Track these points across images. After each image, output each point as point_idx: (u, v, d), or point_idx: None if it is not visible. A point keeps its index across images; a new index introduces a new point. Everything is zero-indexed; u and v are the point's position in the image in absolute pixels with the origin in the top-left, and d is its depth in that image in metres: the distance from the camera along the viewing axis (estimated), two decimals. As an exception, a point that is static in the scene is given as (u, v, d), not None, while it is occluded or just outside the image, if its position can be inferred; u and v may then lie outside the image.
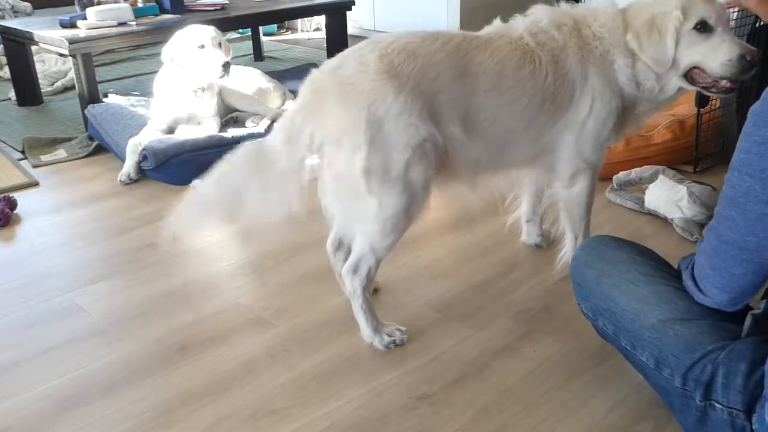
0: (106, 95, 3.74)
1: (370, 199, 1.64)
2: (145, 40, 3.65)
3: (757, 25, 2.61)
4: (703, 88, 1.79)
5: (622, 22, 1.80)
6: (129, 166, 2.90)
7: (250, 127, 3.14)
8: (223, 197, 1.73)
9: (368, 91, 1.60)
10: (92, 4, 3.92)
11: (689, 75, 1.79)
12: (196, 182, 2.85)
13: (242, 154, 1.73)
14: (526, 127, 1.78)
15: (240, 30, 5.55)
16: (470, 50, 1.71)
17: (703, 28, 1.72)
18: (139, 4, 3.78)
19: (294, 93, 3.46)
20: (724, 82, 1.75)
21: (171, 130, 3.10)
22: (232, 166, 1.72)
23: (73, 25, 3.52)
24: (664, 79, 1.81)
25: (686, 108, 2.75)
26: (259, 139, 1.78)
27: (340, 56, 1.71)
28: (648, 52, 1.76)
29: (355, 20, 5.36)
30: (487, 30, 1.84)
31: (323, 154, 1.67)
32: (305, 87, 1.71)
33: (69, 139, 3.37)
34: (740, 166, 1.23)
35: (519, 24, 1.82)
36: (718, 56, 1.71)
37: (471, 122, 1.72)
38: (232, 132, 3.08)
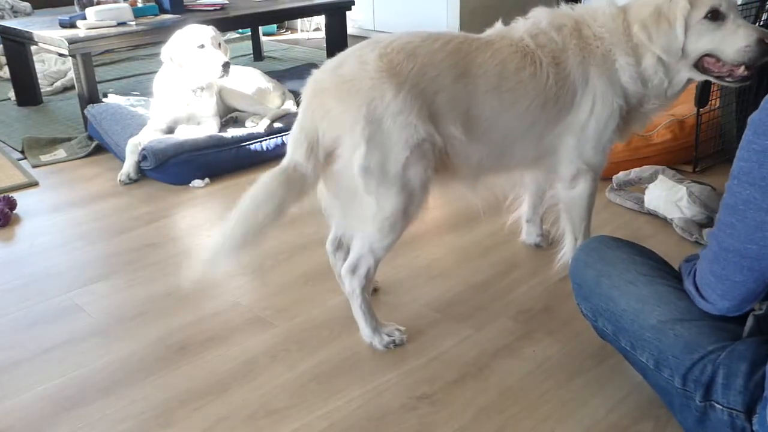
0: (105, 95, 3.74)
1: (369, 198, 1.64)
2: (145, 40, 3.65)
3: (758, 24, 2.61)
4: (717, 77, 1.78)
5: (622, 21, 1.80)
6: (129, 166, 2.90)
7: (249, 127, 3.13)
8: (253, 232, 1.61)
9: (367, 89, 1.61)
10: (92, 4, 3.92)
11: (701, 65, 1.77)
12: (195, 182, 2.86)
13: (268, 191, 1.62)
14: (528, 128, 1.78)
15: (240, 30, 5.55)
16: (471, 51, 1.71)
17: (714, 16, 1.71)
18: (139, 4, 3.78)
19: (294, 93, 3.47)
20: (741, 70, 1.73)
21: (171, 130, 3.09)
22: (261, 204, 1.61)
23: (72, 25, 3.52)
24: (673, 71, 1.80)
25: (686, 108, 2.75)
26: (277, 168, 1.66)
27: (340, 55, 1.72)
28: (658, 42, 1.75)
29: (354, 20, 5.36)
30: (488, 32, 1.84)
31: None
32: (307, 88, 1.71)
33: (69, 139, 3.37)
34: (740, 175, 1.23)
35: (519, 26, 1.82)
36: (735, 42, 1.70)
37: (471, 123, 1.72)
38: (231, 132, 3.07)
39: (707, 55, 1.75)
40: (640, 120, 1.92)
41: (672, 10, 1.73)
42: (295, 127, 1.71)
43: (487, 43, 1.74)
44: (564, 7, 1.86)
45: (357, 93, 1.61)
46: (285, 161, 1.69)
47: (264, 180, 1.63)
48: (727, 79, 1.77)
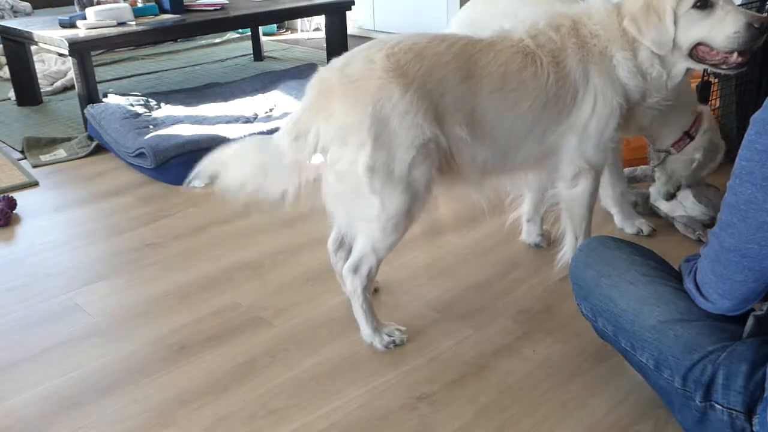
0: (105, 95, 3.74)
1: (373, 198, 1.64)
2: (145, 40, 3.65)
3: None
4: (713, 65, 1.77)
5: (617, 17, 1.80)
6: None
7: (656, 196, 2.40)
8: (232, 171, 1.75)
9: (374, 89, 1.61)
10: (92, 4, 3.92)
11: (695, 54, 1.77)
12: (196, 182, 2.85)
13: (251, 144, 1.78)
14: (531, 128, 1.78)
15: (240, 30, 5.55)
16: (475, 53, 1.71)
17: (703, 4, 1.70)
18: (139, 4, 3.78)
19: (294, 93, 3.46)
20: (734, 57, 1.72)
21: None
22: (241, 150, 1.76)
23: (72, 25, 3.52)
24: (669, 62, 1.80)
25: (686, 108, 2.74)
26: (267, 136, 1.79)
27: (347, 55, 1.72)
28: (648, 35, 1.75)
29: (355, 20, 5.36)
30: (488, 34, 1.84)
31: (327, 152, 1.67)
32: (312, 85, 1.71)
33: (69, 139, 3.37)
34: (742, 174, 1.23)
35: (519, 27, 1.82)
36: (724, 29, 1.69)
37: (476, 124, 1.72)
38: (237, 132, 3.05)
39: (700, 44, 1.75)
40: (646, 115, 1.91)
41: (661, 2, 1.73)
42: (290, 117, 1.73)
43: (489, 45, 1.75)
44: (561, 7, 1.86)
45: (364, 92, 1.61)
46: (273, 138, 1.76)
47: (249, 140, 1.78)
48: (723, 67, 1.76)
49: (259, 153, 1.74)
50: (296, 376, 1.70)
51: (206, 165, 1.77)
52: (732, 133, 2.74)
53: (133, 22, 3.58)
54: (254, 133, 3.04)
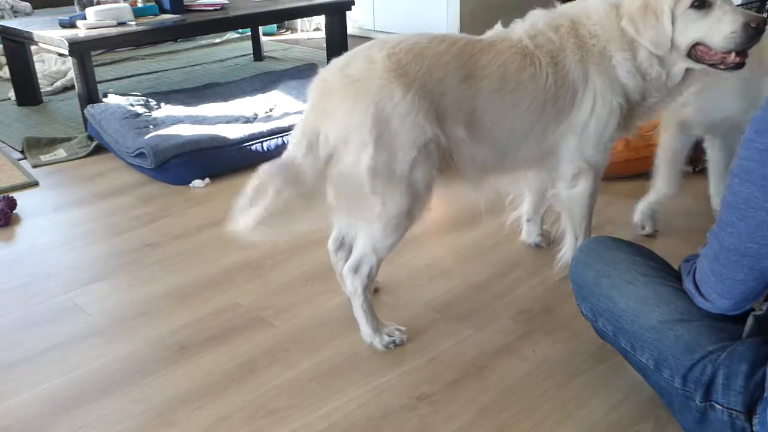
0: (105, 95, 3.73)
1: (374, 198, 1.64)
2: (145, 40, 3.65)
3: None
4: (711, 65, 1.76)
5: (615, 17, 1.80)
6: None
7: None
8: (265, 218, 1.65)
9: (375, 89, 1.61)
10: (92, 4, 3.92)
11: (693, 54, 1.76)
12: (196, 182, 2.86)
13: (267, 182, 1.62)
14: (530, 129, 1.78)
15: (240, 30, 5.55)
16: (475, 53, 1.71)
17: (701, 4, 1.70)
18: (139, 4, 3.78)
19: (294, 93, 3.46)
20: (732, 57, 1.71)
21: None
22: (264, 192, 1.63)
23: (72, 25, 3.52)
24: (668, 62, 1.80)
25: (686, 108, 2.73)
26: (277, 160, 1.68)
27: (347, 55, 1.72)
28: (645, 35, 1.75)
29: (355, 20, 5.36)
30: (488, 34, 1.84)
31: (332, 153, 1.67)
32: (313, 86, 1.71)
33: (69, 139, 3.37)
34: (741, 173, 1.23)
35: (518, 28, 1.82)
36: (721, 29, 1.68)
37: (476, 124, 1.72)
38: (232, 132, 3.05)
39: (698, 44, 1.74)
40: (645, 114, 1.91)
41: (659, 2, 1.73)
42: (297, 126, 1.71)
43: (489, 45, 1.75)
44: (560, 8, 1.86)
45: (365, 93, 1.61)
46: (284, 156, 1.70)
47: (264, 168, 1.64)
48: (721, 67, 1.75)
49: (280, 187, 1.63)
50: (296, 376, 1.70)
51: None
52: (732, 133, 2.74)
53: (133, 22, 3.58)
54: (254, 134, 3.04)
